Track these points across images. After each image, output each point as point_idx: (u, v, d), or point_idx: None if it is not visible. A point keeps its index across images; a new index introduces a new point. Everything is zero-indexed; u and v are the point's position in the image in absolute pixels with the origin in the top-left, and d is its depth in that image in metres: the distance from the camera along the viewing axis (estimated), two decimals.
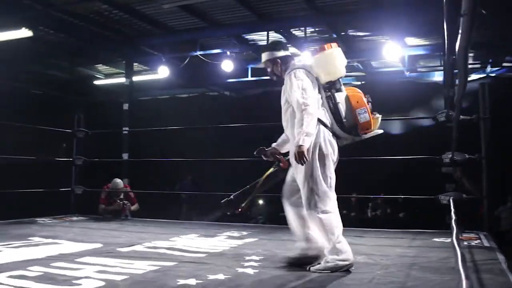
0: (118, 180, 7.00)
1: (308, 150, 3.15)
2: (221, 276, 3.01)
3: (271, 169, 3.61)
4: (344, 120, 3.34)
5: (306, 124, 3.12)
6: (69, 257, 3.61)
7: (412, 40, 9.19)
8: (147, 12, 8.05)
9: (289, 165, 3.48)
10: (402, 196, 8.16)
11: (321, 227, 3.22)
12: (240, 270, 3.23)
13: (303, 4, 7.58)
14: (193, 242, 4.52)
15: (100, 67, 11.50)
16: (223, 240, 4.68)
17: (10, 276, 2.92)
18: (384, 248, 4.26)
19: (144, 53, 9.81)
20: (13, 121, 9.79)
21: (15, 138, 10.07)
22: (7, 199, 9.40)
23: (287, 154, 3.56)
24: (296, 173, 3.31)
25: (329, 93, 3.39)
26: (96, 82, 11.93)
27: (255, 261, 3.56)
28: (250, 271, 3.20)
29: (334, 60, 3.42)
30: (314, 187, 3.21)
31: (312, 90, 3.28)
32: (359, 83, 10.84)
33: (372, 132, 3.43)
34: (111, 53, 9.89)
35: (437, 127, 5.26)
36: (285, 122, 3.43)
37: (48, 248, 4.07)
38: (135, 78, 10.26)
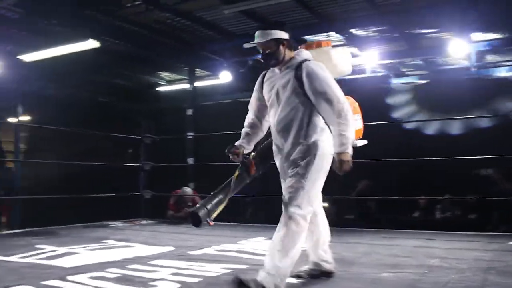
0: (187, 189, 7.17)
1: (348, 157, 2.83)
2: (293, 280, 3.04)
3: (236, 173, 3.09)
4: None
5: (351, 128, 2.84)
6: (143, 260, 3.74)
7: (478, 35, 8.89)
8: (207, 18, 8.20)
9: (258, 170, 3.12)
10: (475, 198, 7.89)
11: (282, 232, 2.83)
12: None
13: (364, 4, 7.50)
14: (261, 245, 4.56)
15: (163, 74, 11.80)
16: None
17: (91, 277, 3.07)
18: (459, 252, 4.15)
19: (206, 59, 9.98)
20: (82, 128, 10.28)
21: (85, 145, 10.54)
22: (80, 204, 9.87)
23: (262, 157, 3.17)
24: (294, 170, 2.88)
25: None
26: (160, 89, 12.26)
27: None
28: None
29: (347, 59, 3.26)
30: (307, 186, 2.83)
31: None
32: (423, 82, 10.58)
33: (361, 142, 3.15)
34: (174, 60, 10.13)
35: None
36: (283, 121, 2.93)
37: (122, 250, 4.24)
38: (198, 84, 10.47)
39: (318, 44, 3.22)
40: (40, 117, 13.62)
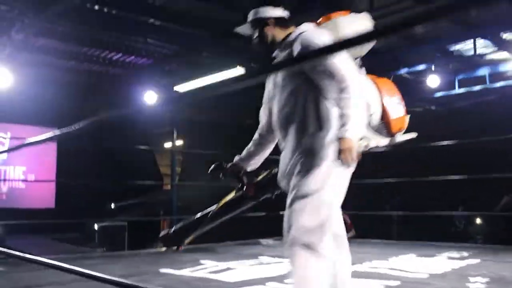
0: None
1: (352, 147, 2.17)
2: None
3: (232, 194, 2.70)
4: (370, 113, 2.39)
5: (357, 107, 2.21)
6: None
7: None
8: None
9: (258, 190, 2.65)
10: None
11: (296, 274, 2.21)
12: None
13: None
14: (412, 262, 4.60)
15: None
16: (443, 261, 4.66)
17: None
18: None
19: None
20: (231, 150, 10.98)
21: None
22: (231, 222, 10.45)
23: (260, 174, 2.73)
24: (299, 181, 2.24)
25: None
26: None
27: (481, 283, 3.52)
28: None
29: (339, 29, 2.42)
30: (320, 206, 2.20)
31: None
32: None
33: (406, 135, 2.54)
34: None
35: None
36: (281, 114, 2.37)
37: (277, 266, 4.54)
38: None
39: (328, 17, 2.53)
40: (192, 142, 14.80)
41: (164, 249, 5.60)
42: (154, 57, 9.43)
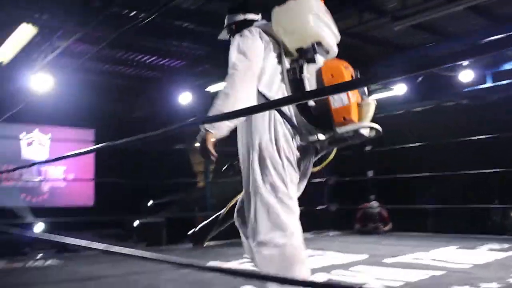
0: (374, 203, 7.39)
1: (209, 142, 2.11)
2: (494, 285, 3.12)
3: (239, 196, 2.51)
4: (312, 105, 2.22)
5: (228, 99, 2.12)
6: (343, 266, 4.08)
7: None
8: (378, 36, 8.42)
9: None
10: None
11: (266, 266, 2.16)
12: None
13: None
14: (454, 253, 4.63)
15: None
16: (485, 252, 4.69)
17: None
18: None
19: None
20: None
21: None
22: None
23: None
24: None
25: (294, 65, 2.30)
26: None
27: None
28: None
29: (299, 14, 2.28)
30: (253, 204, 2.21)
31: (257, 55, 2.23)
32: None
33: (355, 125, 2.18)
34: None
35: None
36: None
37: (320, 258, 4.63)
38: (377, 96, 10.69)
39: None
40: (224, 140, 14.93)
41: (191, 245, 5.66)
42: (187, 59, 9.58)
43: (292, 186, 2.22)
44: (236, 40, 2.27)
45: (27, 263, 4.54)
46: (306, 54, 2.28)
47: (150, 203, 11.06)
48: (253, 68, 2.19)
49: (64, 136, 11.21)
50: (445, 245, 5.23)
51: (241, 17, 2.49)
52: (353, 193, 7.80)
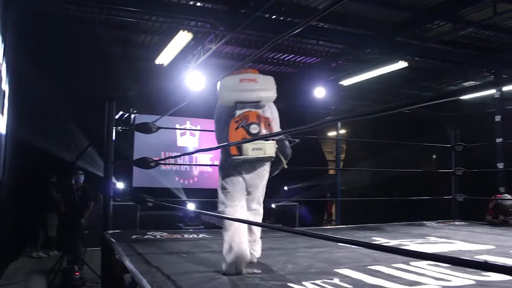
0: (508, 197, 7.03)
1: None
2: None
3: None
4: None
5: None
6: (468, 254, 4.02)
7: None
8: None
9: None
10: None
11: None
12: None
13: None
14: None
15: (467, 83, 11.64)
16: None
17: (429, 264, 3.51)
18: None
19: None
20: (392, 138, 10.96)
21: (392, 154, 11.19)
22: (392, 205, 10.42)
23: None
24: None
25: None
26: (462, 97, 12.08)
27: None
28: None
29: (220, 89, 3.32)
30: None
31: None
32: None
33: (242, 156, 3.09)
34: (477, 68, 9.97)
35: None
36: None
37: (446, 246, 4.57)
38: (505, 89, 10.04)
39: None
40: (352, 131, 14.96)
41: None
42: (322, 56, 9.80)
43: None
44: None
45: (184, 235, 5.08)
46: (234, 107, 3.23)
47: (285, 188, 11.53)
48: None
49: (210, 127, 12.01)
50: None
51: None
52: (482, 185, 7.45)
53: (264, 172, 3.36)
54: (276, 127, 3.39)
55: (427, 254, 1.38)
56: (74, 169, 7.30)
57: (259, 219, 3.44)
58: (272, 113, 3.43)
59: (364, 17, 7.74)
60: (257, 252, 3.40)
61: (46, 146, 9.06)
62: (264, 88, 3.34)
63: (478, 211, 7.18)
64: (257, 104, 3.26)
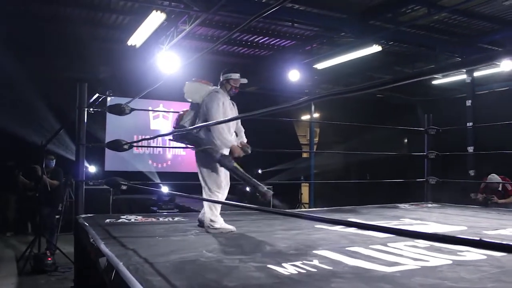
0: (495, 176, 7.13)
1: None
2: None
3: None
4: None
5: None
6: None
7: None
8: (485, 11, 7.98)
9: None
10: None
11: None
12: None
13: None
14: None
15: None
16: None
17: (405, 245, 3.51)
18: None
19: (483, 51, 9.65)
20: (365, 122, 11.02)
21: (365, 137, 11.28)
22: (364, 188, 10.50)
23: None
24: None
25: None
26: (434, 82, 12.23)
27: None
28: None
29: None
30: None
31: None
32: None
33: None
34: (449, 55, 10.06)
35: None
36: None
37: (420, 227, 4.61)
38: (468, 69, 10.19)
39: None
40: (326, 114, 15.00)
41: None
42: (296, 39, 9.72)
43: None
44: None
45: (159, 218, 4.99)
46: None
47: (259, 171, 11.48)
48: None
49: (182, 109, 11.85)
50: None
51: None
52: (453, 167, 7.56)
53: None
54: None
55: (438, 235, 1.34)
56: (45, 153, 7.09)
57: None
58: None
59: (340, 0, 7.68)
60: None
61: (14, 129, 8.80)
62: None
63: (449, 193, 7.30)
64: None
